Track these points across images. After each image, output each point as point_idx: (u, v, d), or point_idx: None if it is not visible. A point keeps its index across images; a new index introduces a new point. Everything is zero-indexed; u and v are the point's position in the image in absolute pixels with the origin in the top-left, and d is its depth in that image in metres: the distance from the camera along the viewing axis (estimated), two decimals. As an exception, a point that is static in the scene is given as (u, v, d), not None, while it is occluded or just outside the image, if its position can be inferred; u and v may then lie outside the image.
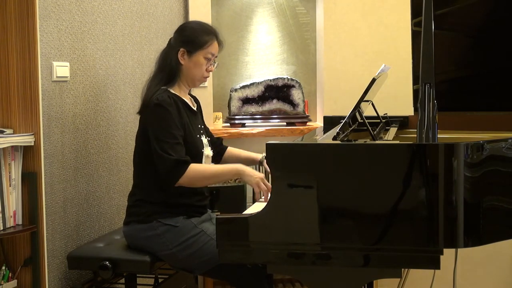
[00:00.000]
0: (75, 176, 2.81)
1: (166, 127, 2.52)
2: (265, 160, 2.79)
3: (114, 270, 2.59)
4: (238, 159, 2.90)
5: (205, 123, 2.87)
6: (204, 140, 2.72)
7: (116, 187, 3.14)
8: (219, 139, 2.93)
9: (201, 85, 3.49)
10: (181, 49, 2.64)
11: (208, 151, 2.71)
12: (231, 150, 2.95)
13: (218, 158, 2.87)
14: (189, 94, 2.82)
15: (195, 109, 2.76)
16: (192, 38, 2.65)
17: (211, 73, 2.77)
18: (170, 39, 2.72)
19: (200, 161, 2.64)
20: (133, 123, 3.20)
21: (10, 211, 2.43)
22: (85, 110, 2.87)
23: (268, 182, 2.64)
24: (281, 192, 2.04)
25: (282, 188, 2.04)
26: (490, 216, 2.03)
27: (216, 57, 2.72)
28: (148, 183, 2.61)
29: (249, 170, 2.55)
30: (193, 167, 2.51)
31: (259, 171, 2.84)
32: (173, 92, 2.64)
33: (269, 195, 2.49)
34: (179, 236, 2.56)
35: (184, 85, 2.71)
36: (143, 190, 2.64)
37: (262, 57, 3.98)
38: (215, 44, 2.68)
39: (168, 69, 2.65)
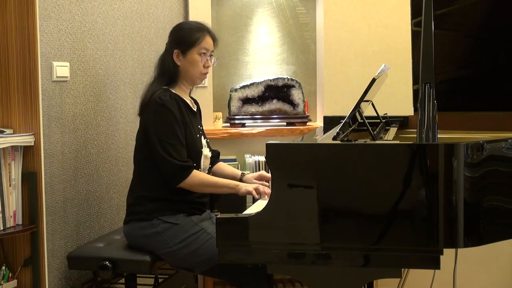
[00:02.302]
0: (75, 176, 2.81)
1: (169, 127, 2.55)
2: (244, 177, 2.85)
3: (114, 270, 2.59)
4: (223, 173, 2.92)
5: (205, 123, 2.88)
6: (203, 140, 2.75)
7: (116, 187, 3.14)
8: (216, 151, 2.93)
9: (201, 85, 3.49)
10: (176, 51, 2.67)
11: (206, 152, 2.75)
12: (220, 164, 2.97)
13: (209, 168, 2.87)
14: (189, 96, 2.83)
15: (195, 110, 2.78)
16: (183, 37, 2.68)
17: (210, 69, 2.78)
18: (166, 44, 2.74)
19: (199, 160, 2.67)
20: (133, 123, 3.20)
21: (10, 211, 2.43)
22: (85, 110, 2.87)
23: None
24: (281, 192, 2.03)
25: (282, 188, 2.03)
26: (490, 216, 2.03)
27: (213, 51, 2.73)
28: (150, 180, 2.62)
29: (245, 185, 2.62)
30: (196, 174, 2.57)
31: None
32: (174, 92, 2.66)
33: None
34: (180, 234, 2.56)
35: (184, 86, 2.74)
36: (144, 187, 2.64)
37: (262, 57, 3.97)
38: (208, 39, 2.69)
39: (167, 73, 2.68)
